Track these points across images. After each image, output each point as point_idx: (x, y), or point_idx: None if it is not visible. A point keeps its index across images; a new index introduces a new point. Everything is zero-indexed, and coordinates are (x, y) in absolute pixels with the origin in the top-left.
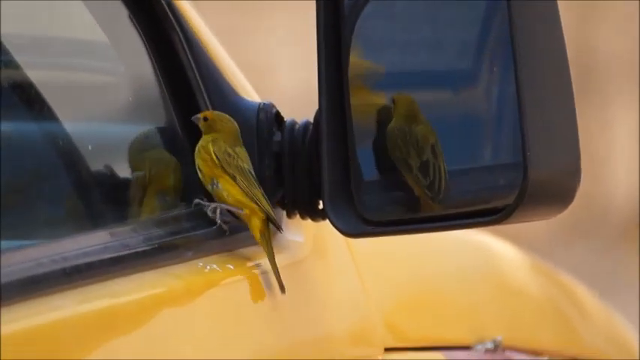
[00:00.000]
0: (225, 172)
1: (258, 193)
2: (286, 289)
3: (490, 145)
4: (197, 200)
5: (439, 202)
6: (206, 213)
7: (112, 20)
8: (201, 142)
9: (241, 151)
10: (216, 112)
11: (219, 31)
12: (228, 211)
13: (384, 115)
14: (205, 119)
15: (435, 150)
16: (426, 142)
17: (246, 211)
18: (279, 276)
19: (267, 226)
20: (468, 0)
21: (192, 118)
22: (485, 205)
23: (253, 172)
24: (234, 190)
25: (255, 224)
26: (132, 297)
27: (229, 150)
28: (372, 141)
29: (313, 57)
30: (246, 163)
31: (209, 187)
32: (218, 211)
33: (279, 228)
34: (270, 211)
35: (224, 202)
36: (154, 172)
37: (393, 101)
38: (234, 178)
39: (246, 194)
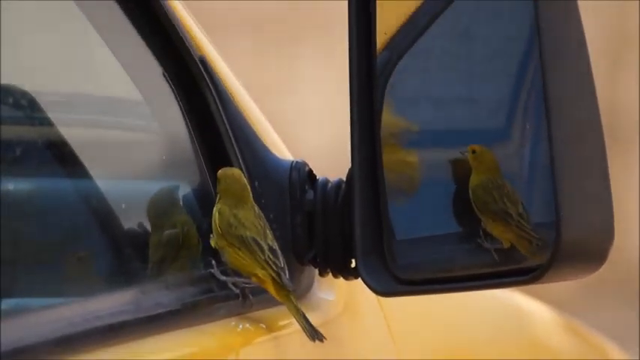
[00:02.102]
0: (228, 242)
1: (260, 259)
2: (323, 338)
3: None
4: (211, 271)
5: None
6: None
7: (147, 78)
8: (214, 210)
9: (246, 215)
10: (224, 172)
11: (250, 85)
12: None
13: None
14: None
15: (524, 205)
16: (517, 195)
17: (253, 279)
18: (311, 326)
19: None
20: (502, 57)
21: None
22: (517, 264)
23: (260, 235)
24: (237, 261)
25: (269, 287)
26: (166, 356)
27: (231, 219)
28: (409, 198)
29: (344, 110)
30: (248, 230)
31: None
32: (228, 281)
33: (288, 289)
34: (275, 274)
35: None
36: (186, 232)
37: (474, 151)
38: (235, 249)
39: (249, 263)
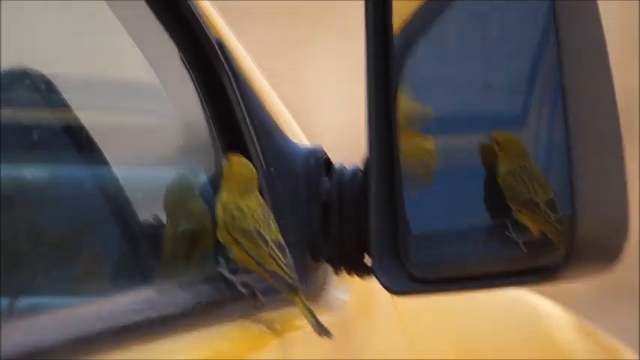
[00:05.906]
0: (233, 238)
1: (264, 252)
2: (330, 334)
3: None
4: (219, 269)
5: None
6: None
7: (164, 62)
8: (217, 204)
9: (250, 204)
10: (233, 156)
11: (265, 72)
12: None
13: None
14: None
15: (555, 190)
16: (547, 180)
17: (260, 274)
18: (318, 321)
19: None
20: (518, 41)
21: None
22: (532, 263)
23: (264, 227)
24: (241, 256)
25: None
26: (181, 356)
27: (234, 211)
28: (424, 187)
29: (359, 97)
30: (252, 221)
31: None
32: (235, 281)
33: (287, 290)
34: (279, 269)
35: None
36: (201, 225)
37: (497, 142)
38: (239, 244)
39: (253, 258)
